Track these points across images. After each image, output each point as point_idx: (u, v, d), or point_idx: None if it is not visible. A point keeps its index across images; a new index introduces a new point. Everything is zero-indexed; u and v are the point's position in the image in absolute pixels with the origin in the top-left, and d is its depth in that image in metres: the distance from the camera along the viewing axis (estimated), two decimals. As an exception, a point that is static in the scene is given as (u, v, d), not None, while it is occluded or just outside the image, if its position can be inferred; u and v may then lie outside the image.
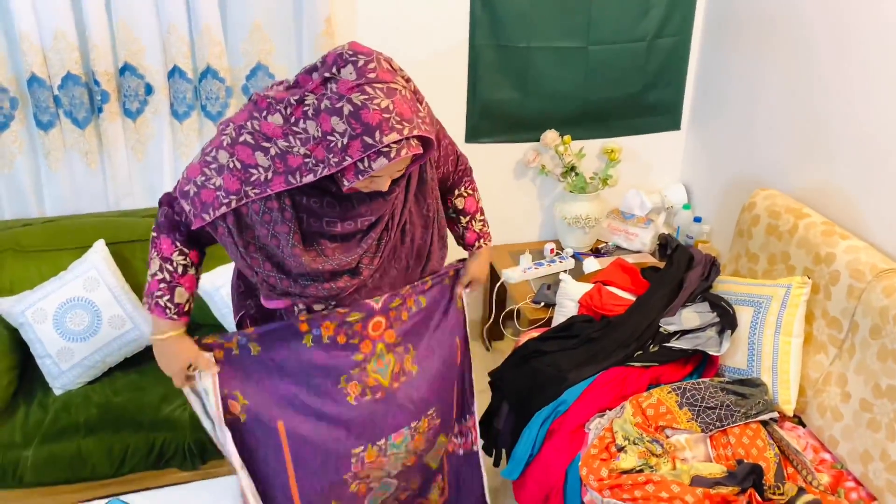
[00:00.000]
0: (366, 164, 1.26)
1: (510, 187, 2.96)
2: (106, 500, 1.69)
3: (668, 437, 1.90)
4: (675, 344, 2.11)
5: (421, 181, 1.57)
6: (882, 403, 1.79)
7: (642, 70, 2.85)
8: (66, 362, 2.23)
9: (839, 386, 1.93)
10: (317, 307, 1.55)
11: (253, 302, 1.61)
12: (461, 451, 1.96)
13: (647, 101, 2.93)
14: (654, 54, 2.84)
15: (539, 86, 2.78)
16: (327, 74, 1.28)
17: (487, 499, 2.00)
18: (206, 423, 1.57)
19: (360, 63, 1.25)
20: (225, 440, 1.54)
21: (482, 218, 1.86)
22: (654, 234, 2.91)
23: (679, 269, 2.27)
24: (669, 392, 1.99)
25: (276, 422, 1.57)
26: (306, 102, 1.32)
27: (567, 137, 2.83)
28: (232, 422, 1.56)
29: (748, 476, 1.76)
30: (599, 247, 2.95)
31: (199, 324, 2.52)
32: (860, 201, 2.13)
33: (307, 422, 1.58)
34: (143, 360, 2.37)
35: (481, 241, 1.84)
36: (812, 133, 2.32)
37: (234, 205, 1.37)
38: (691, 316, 2.13)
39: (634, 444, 1.86)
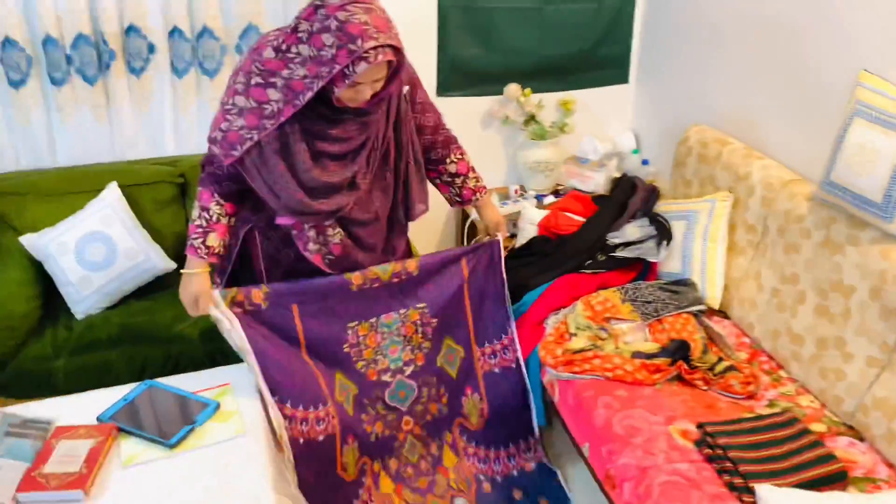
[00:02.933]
0: (350, 69, 1.57)
1: (478, 137, 3.29)
2: (138, 384, 1.98)
3: (612, 325, 2.25)
4: (619, 254, 2.46)
5: (397, 114, 1.88)
6: (787, 288, 2.16)
7: (592, 28, 3.19)
8: (86, 289, 2.52)
9: (755, 281, 2.30)
10: (326, 224, 1.88)
11: (263, 215, 1.90)
12: (497, 370, 2.21)
13: (598, 57, 3.27)
14: (603, 14, 3.18)
15: (501, 43, 3.11)
16: (317, 3, 1.61)
17: (533, 415, 2.25)
18: (227, 337, 1.91)
19: None
20: (245, 352, 1.90)
21: (475, 175, 2.18)
22: (606, 176, 3.25)
23: (624, 194, 2.62)
24: (614, 291, 2.35)
25: (290, 305, 1.93)
26: (300, 29, 1.64)
27: (527, 90, 3.16)
28: (253, 311, 1.91)
29: (678, 350, 2.12)
30: (558, 189, 3.29)
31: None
32: (771, 130, 2.48)
33: (316, 303, 1.96)
34: (154, 288, 2.65)
35: (478, 194, 2.18)
36: (734, 77, 2.67)
37: (256, 138, 1.68)
38: (633, 230, 2.48)
39: (584, 330, 2.21)
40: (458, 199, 2.19)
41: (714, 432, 1.84)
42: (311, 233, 1.89)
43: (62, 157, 2.83)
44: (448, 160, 2.13)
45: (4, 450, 1.69)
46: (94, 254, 2.53)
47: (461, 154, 2.15)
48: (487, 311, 2.19)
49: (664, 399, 2.02)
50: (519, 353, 2.21)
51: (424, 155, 2.06)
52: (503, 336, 2.22)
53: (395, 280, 2.03)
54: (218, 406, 1.87)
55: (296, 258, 1.95)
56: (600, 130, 3.42)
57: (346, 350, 2.02)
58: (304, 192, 1.76)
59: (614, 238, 2.49)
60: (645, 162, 3.29)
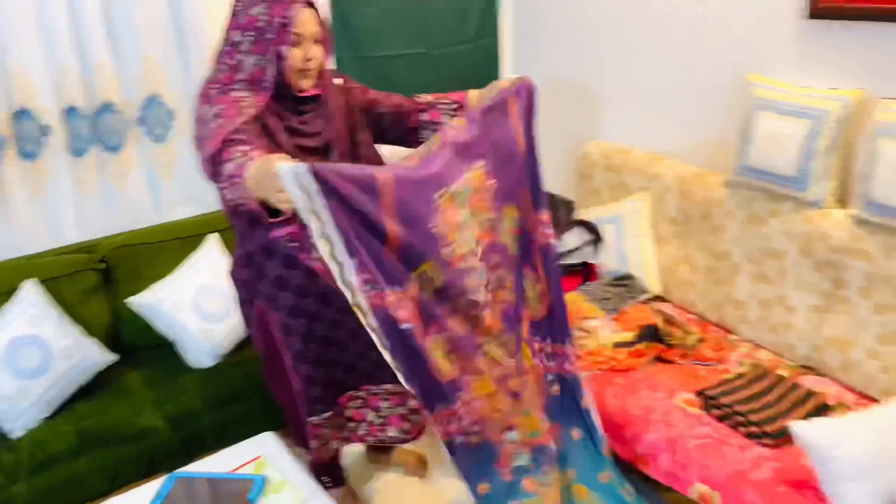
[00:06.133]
0: (287, 16, 1.71)
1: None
2: (165, 476, 1.81)
3: (586, 324, 2.45)
4: (564, 262, 2.68)
5: (347, 109, 1.97)
6: (721, 264, 2.49)
7: (472, 67, 3.43)
8: (25, 401, 2.23)
9: (687, 264, 2.62)
10: None
11: (263, 231, 1.77)
12: (551, 241, 1.97)
13: (478, 92, 3.51)
14: (478, 54, 3.43)
15: (394, 88, 3.17)
16: (232, 12, 1.77)
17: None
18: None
19: None
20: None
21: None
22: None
23: (551, 209, 2.85)
24: (577, 295, 2.56)
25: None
26: (232, 39, 1.76)
27: (422, 130, 3.31)
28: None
29: (651, 333, 2.37)
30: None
31: (142, 346, 2.62)
32: (667, 135, 2.86)
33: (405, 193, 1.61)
34: (94, 387, 2.41)
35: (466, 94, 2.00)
36: (615, 96, 3.03)
37: (240, 121, 1.68)
38: (571, 238, 2.72)
39: (566, 334, 2.38)
40: (455, 105, 2.01)
41: (714, 395, 2.09)
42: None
43: (-53, 264, 2.50)
44: (419, 101, 2.07)
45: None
46: (28, 360, 2.26)
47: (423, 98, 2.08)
48: (537, 168, 1.93)
49: (656, 378, 2.24)
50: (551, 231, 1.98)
51: (403, 123, 2.05)
52: (545, 203, 1.98)
53: (451, 134, 1.74)
54: (265, 479, 1.78)
55: (305, 276, 1.86)
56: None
57: (433, 230, 1.67)
58: None
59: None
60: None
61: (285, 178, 1.41)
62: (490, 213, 1.82)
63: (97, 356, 2.41)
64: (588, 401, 2.03)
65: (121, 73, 2.62)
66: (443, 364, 1.69)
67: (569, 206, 2.90)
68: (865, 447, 1.68)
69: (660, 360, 2.34)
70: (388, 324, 1.58)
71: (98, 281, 2.57)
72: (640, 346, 2.33)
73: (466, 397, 1.75)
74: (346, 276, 1.53)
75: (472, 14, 3.36)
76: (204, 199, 2.91)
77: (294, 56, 1.77)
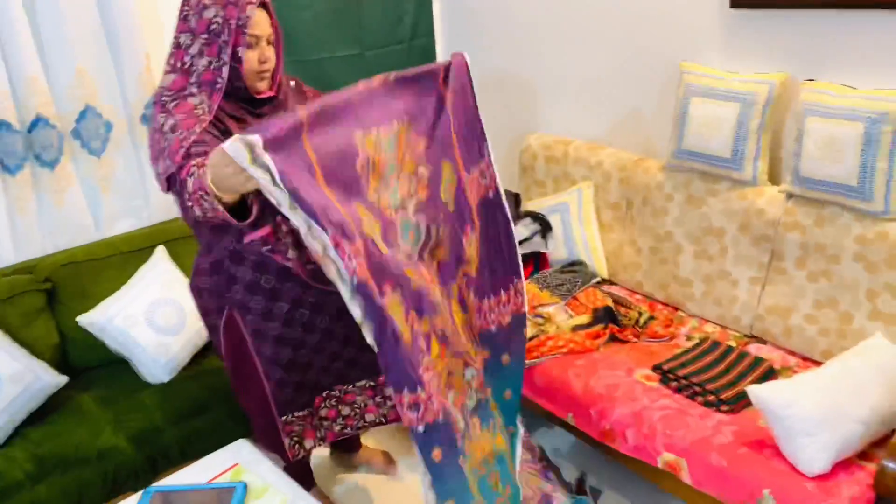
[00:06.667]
0: (243, 18, 1.71)
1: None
2: (140, 493, 1.77)
3: (542, 310, 2.52)
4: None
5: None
6: (664, 245, 2.61)
7: (406, 67, 3.46)
8: (-26, 431, 2.15)
9: (632, 247, 2.73)
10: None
11: (231, 237, 1.80)
12: (490, 194, 1.90)
13: (414, 92, 3.55)
14: (413, 54, 3.47)
15: (332, 89, 3.22)
16: (181, 15, 1.76)
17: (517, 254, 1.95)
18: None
19: None
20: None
21: None
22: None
23: (498, 202, 2.91)
24: (530, 284, 2.63)
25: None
26: (181, 42, 1.76)
27: (362, 131, 3.32)
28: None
29: (605, 315, 2.46)
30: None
31: (91, 366, 2.55)
32: (606, 125, 2.97)
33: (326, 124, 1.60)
34: (46, 413, 2.33)
35: None
36: (552, 89, 3.13)
37: (198, 130, 1.67)
38: (522, 230, 2.79)
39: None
40: None
41: (670, 368, 2.20)
42: (288, 239, 1.81)
43: None
44: None
45: None
46: (-24, 388, 2.17)
47: None
48: (467, 129, 1.85)
49: (613, 357, 2.33)
50: (497, 178, 1.89)
51: None
52: (481, 159, 1.87)
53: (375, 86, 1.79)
54: (245, 486, 1.77)
55: (277, 279, 1.87)
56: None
57: (359, 169, 1.64)
58: None
59: (508, 240, 2.77)
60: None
61: (232, 153, 1.39)
62: (423, 168, 1.77)
63: (48, 379, 2.32)
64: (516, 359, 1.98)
65: (53, 86, 2.53)
66: (403, 328, 1.60)
67: (516, 198, 2.97)
68: (815, 404, 1.80)
69: (615, 339, 2.44)
70: (365, 292, 1.53)
71: (42, 303, 2.48)
72: (596, 328, 2.42)
73: (426, 363, 1.64)
74: (328, 251, 1.49)
75: (406, 14, 3.39)
76: (145, 211, 2.85)
77: (249, 58, 1.77)
